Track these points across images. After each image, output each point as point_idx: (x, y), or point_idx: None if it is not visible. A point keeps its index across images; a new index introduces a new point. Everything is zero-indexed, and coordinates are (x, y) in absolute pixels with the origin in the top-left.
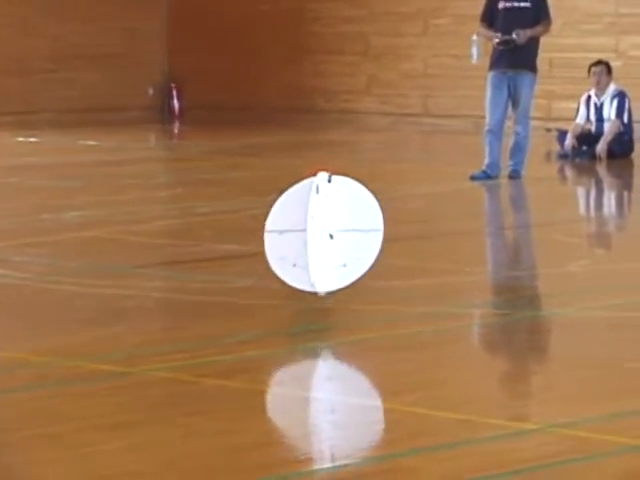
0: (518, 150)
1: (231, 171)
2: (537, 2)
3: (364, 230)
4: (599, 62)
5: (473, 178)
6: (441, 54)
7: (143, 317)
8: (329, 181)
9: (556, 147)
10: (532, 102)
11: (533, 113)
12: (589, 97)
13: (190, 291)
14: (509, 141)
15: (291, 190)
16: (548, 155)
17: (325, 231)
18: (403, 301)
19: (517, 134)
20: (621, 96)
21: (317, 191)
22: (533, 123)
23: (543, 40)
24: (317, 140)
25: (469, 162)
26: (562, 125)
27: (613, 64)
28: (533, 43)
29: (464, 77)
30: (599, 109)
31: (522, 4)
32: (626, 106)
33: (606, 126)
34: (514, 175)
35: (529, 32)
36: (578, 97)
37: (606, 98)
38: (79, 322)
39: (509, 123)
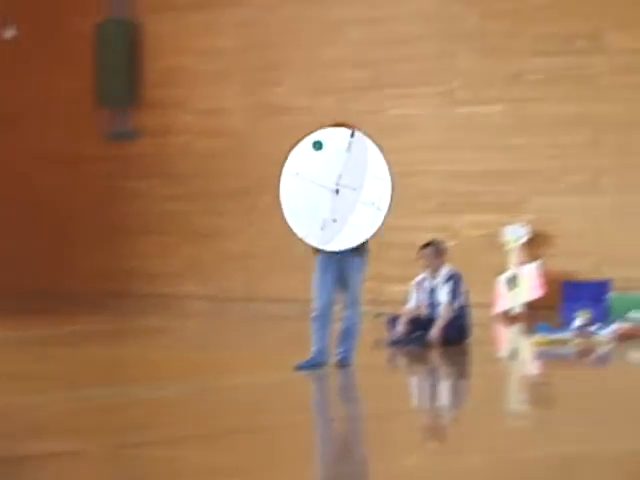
0: (347, 336)
1: (39, 363)
2: None
3: (367, 203)
4: (429, 243)
5: (299, 367)
6: (267, 234)
7: None
8: (352, 135)
9: (387, 333)
10: (362, 285)
11: (363, 297)
12: (421, 280)
13: None
14: (338, 327)
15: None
16: (379, 342)
17: (336, 185)
18: None
19: (346, 319)
20: (455, 278)
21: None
22: (363, 307)
23: None
24: (135, 327)
25: (295, 350)
26: (394, 309)
27: (447, 244)
28: None
29: (291, 259)
30: (432, 292)
31: None
32: (460, 289)
33: (439, 310)
34: (343, 363)
35: None
36: (410, 280)
37: (439, 281)
38: None
39: (338, 308)
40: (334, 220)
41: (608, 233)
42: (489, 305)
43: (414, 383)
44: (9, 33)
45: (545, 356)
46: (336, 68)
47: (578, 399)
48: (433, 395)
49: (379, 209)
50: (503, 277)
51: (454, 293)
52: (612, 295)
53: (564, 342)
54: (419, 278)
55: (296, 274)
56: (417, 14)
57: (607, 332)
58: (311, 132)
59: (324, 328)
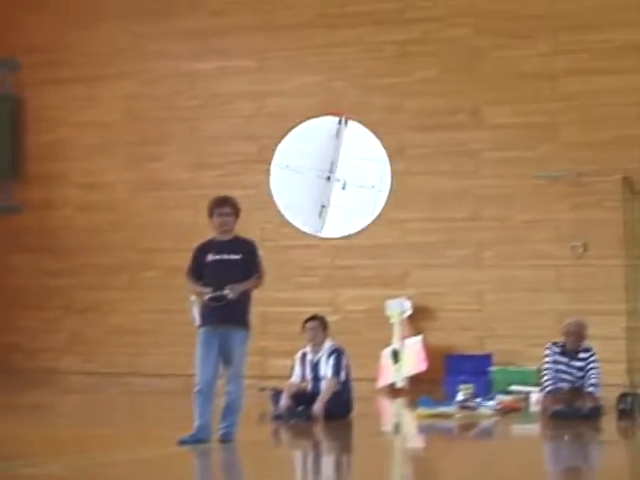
0: (230, 411)
1: None
2: (248, 254)
3: (367, 187)
4: (313, 317)
5: (182, 442)
6: (150, 309)
7: None
8: (339, 122)
9: (271, 407)
10: (245, 360)
11: (246, 371)
12: (305, 354)
13: None
14: (221, 402)
15: (304, 127)
16: (262, 416)
17: (329, 172)
18: None
19: (229, 394)
20: (338, 353)
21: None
22: (246, 382)
23: (256, 294)
24: (15, 402)
25: (179, 425)
26: (277, 384)
27: (330, 319)
28: (245, 298)
29: (174, 333)
30: (315, 367)
31: (232, 256)
32: (343, 363)
33: (323, 385)
34: (226, 438)
35: (241, 287)
36: (293, 354)
37: (322, 355)
38: None
39: (221, 382)
40: (323, 206)
41: (490, 307)
42: (373, 379)
43: (298, 458)
44: None
45: (428, 430)
46: (220, 142)
47: (460, 472)
48: (317, 470)
49: (380, 191)
50: (386, 351)
51: (337, 367)
52: (494, 369)
53: (447, 416)
54: (302, 352)
55: (179, 348)
56: (301, 89)
57: (489, 405)
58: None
59: (207, 403)
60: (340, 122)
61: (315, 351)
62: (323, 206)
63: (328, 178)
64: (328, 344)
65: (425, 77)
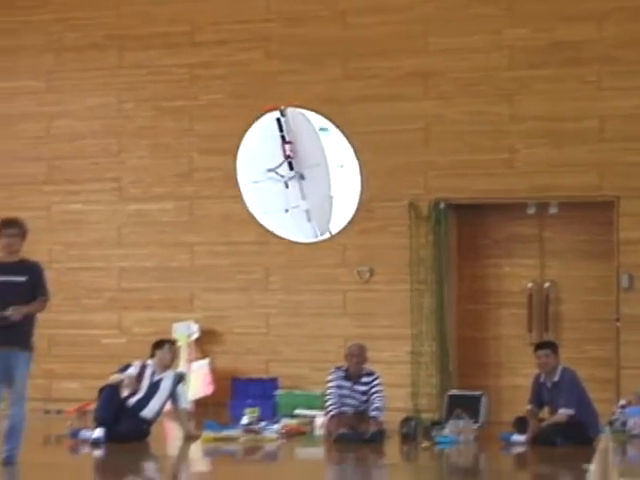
0: (13, 434)
1: None
2: (33, 276)
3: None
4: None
5: None
6: None
7: None
8: (283, 115)
9: (57, 429)
10: (28, 382)
11: (31, 393)
12: (145, 365)
13: None
14: (3, 424)
15: (251, 136)
16: (47, 438)
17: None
18: None
19: (12, 417)
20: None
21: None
22: (32, 404)
23: (43, 316)
24: None
25: None
26: (64, 406)
27: (116, 340)
28: (29, 320)
29: None
30: (155, 385)
31: (18, 278)
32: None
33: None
34: (9, 461)
35: (25, 309)
36: (81, 377)
37: (166, 377)
38: None
39: (3, 405)
40: (296, 206)
41: (276, 331)
42: None
43: None
44: None
45: (212, 453)
46: (7, 164)
47: None
48: None
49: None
50: None
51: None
52: (280, 392)
53: (232, 439)
54: (143, 363)
55: None
56: (89, 110)
57: (274, 429)
58: None
59: None
60: (283, 114)
61: (160, 371)
62: (296, 206)
63: (302, 177)
64: (170, 371)
65: (213, 100)
